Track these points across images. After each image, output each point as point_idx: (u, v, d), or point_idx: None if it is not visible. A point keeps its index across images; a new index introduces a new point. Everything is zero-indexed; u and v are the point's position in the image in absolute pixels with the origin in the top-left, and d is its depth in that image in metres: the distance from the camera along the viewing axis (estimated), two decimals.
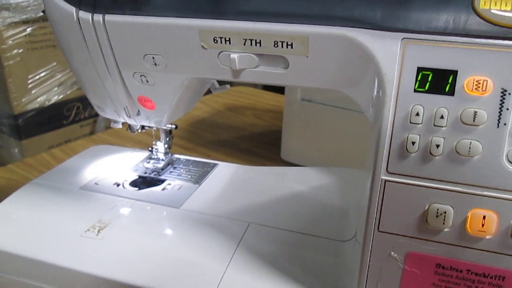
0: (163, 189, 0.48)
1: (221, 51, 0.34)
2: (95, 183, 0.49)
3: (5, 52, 1.26)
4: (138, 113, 0.43)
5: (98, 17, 0.36)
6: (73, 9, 0.37)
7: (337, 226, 0.41)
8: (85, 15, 0.36)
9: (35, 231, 0.41)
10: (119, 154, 0.55)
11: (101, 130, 1.55)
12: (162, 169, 0.51)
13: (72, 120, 1.48)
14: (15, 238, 0.41)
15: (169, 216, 0.43)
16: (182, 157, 0.54)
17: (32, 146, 1.38)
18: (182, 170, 0.51)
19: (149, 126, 0.47)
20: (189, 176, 0.50)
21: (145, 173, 0.50)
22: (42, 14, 1.31)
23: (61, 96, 1.41)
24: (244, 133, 0.85)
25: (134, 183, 0.49)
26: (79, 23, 0.37)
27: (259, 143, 0.81)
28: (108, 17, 0.36)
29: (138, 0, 0.35)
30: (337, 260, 0.38)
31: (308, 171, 0.51)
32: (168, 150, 0.51)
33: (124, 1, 0.35)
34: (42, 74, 1.35)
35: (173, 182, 0.49)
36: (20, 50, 1.28)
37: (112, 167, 0.52)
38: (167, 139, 0.50)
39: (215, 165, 0.52)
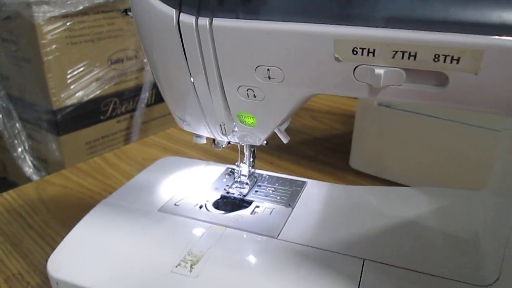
0: (253, 212, 0.41)
1: (359, 65, 0.27)
2: (175, 204, 0.42)
3: (44, 47, 1.22)
4: (234, 130, 0.37)
5: (204, 21, 0.29)
6: (172, 11, 0.30)
7: (472, 264, 0.34)
8: (187, 19, 0.30)
9: (116, 264, 0.35)
10: (193, 168, 0.49)
11: (137, 126, 1.51)
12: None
13: (109, 116, 1.44)
14: (93, 272, 0.35)
15: (268, 249, 0.36)
16: (264, 172, 0.47)
17: (69, 142, 1.35)
18: (268, 190, 0.45)
19: (236, 142, 0.41)
20: (278, 198, 0.43)
21: (228, 193, 0.44)
22: (81, 8, 1.26)
23: (98, 91, 1.37)
24: (304, 137, 0.78)
25: (217, 204, 0.43)
26: (179, 27, 0.30)
27: (323, 149, 0.74)
28: (217, 21, 0.29)
29: (255, 2, 0.28)
30: None
31: (415, 192, 0.44)
32: (252, 171, 0.45)
33: (237, 2, 0.29)
34: (80, 69, 1.31)
35: (262, 205, 0.42)
36: (59, 45, 1.23)
37: (189, 184, 0.46)
38: (252, 158, 0.43)
39: (303, 183, 0.45)
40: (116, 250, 0.37)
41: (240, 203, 0.43)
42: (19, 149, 1.44)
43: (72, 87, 1.31)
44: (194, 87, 0.33)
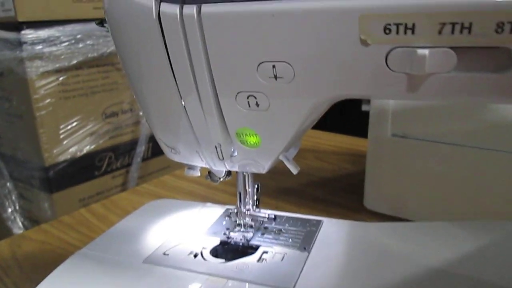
0: (260, 259, 0.33)
1: (394, 48, 0.21)
2: (164, 253, 0.34)
3: (37, 102, 1.18)
4: (233, 154, 0.29)
5: (190, 9, 0.23)
6: (151, 2, 0.24)
7: None
8: (169, 8, 0.23)
9: None
10: (187, 211, 0.41)
11: (134, 181, 1.44)
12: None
13: (104, 171, 1.38)
14: None
15: None
16: (270, 212, 0.39)
17: (62, 200, 1.28)
18: (277, 231, 0.36)
19: (236, 171, 0.33)
20: (290, 240, 0.35)
21: (228, 238, 0.36)
22: (75, 62, 1.23)
23: (93, 146, 1.32)
24: (311, 179, 0.70)
25: (216, 252, 0.34)
26: (160, 21, 0.24)
27: (333, 189, 0.66)
28: (207, 7, 0.23)
29: None
30: None
31: (450, 227, 0.36)
32: (257, 210, 0.37)
33: None
34: (74, 124, 1.26)
35: (271, 250, 0.34)
36: (52, 100, 1.19)
37: (181, 229, 0.38)
38: (256, 195, 0.36)
39: (319, 222, 0.37)
40: None
41: (244, 249, 0.34)
42: (9, 210, 1.36)
43: (65, 142, 1.25)
44: (181, 99, 0.26)
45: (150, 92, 0.28)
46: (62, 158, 1.23)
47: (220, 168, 0.31)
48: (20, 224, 1.36)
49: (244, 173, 0.34)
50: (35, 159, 1.22)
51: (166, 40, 0.24)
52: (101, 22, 0.31)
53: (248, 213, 0.36)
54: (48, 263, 0.50)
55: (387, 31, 0.20)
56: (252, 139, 0.27)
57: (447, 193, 0.51)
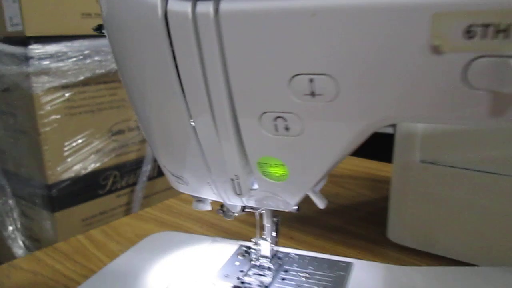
0: None
1: (478, 56, 0.15)
2: None
3: (42, 119, 1.14)
4: (252, 187, 0.24)
5: (206, 6, 0.18)
6: (156, 0, 0.19)
7: None
8: (179, 6, 0.18)
9: None
10: (194, 247, 0.35)
11: (139, 201, 1.39)
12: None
13: (108, 190, 1.34)
14: None
15: None
16: (291, 251, 0.33)
17: (65, 219, 1.25)
18: (300, 277, 0.30)
19: (252, 208, 0.28)
20: None
21: (243, 283, 0.30)
22: (82, 78, 1.19)
23: (98, 164, 1.28)
24: (328, 206, 0.64)
25: None
26: (166, 21, 0.19)
27: (352, 219, 0.60)
28: (226, 4, 0.18)
29: None
30: None
31: (503, 273, 0.30)
32: (276, 250, 0.31)
33: None
34: (79, 141, 1.22)
35: None
36: (58, 116, 1.16)
37: (188, 270, 0.32)
38: (275, 231, 0.30)
39: (348, 265, 0.32)
40: None
41: None
42: (10, 228, 1.32)
43: (69, 159, 1.22)
44: (191, 119, 0.21)
45: (153, 109, 0.23)
46: (66, 176, 1.19)
47: (236, 203, 0.25)
48: (20, 243, 1.32)
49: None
50: (38, 177, 1.19)
51: (173, 45, 0.19)
52: (99, 27, 0.26)
53: (268, 251, 0.30)
54: None
55: (470, 34, 0.15)
56: (278, 171, 0.22)
57: (483, 227, 0.45)
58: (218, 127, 0.21)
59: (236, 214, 0.28)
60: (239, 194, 0.23)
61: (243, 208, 0.27)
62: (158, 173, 1.41)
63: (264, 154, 0.21)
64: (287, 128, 0.19)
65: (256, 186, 0.23)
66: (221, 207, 0.28)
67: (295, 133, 0.19)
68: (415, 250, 0.51)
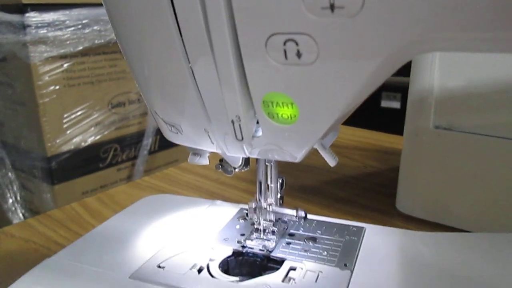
0: (286, 278, 0.24)
1: None
2: (158, 266, 0.25)
3: (40, 89, 1.11)
4: (256, 134, 0.20)
5: None
6: None
7: None
8: None
9: None
10: (190, 210, 0.32)
11: (139, 175, 1.36)
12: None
13: (109, 163, 1.31)
14: None
15: None
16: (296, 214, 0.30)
17: (65, 192, 1.22)
18: (307, 240, 0.27)
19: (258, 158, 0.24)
20: (325, 253, 0.26)
21: (244, 247, 0.27)
22: (81, 48, 1.16)
23: (98, 137, 1.25)
24: (333, 177, 0.61)
25: (227, 266, 0.26)
26: None
27: (359, 190, 0.57)
28: None
29: None
30: None
31: None
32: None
33: None
34: (78, 113, 1.19)
35: (299, 265, 0.25)
36: (57, 87, 1.13)
37: (182, 234, 0.29)
38: (280, 192, 0.27)
39: (360, 230, 0.28)
40: None
41: (264, 264, 0.26)
42: (10, 200, 1.30)
43: (68, 132, 1.19)
44: (185, 48, 0.18)
45: (145, 49, 0.19)
46: (65, 148, 1.17)
47: (236, 154, 0.22)
48: (20, 215, 1.31)
49: (266, 162, 0.25)
50: (37, 149, 1.16)
51: None
52: None
53: (271, 209, 0.27)
54: (29, 265, 0.42)
55: None
56: (286, 111, 0.18)
57: (499, 197, 0.42)
58: (217, 60, 0.17)
59: (237, 170, 0.25)
60: (240, 140, 0.20)
61: (244, 161, 0.24)
62: (159, 147, 1.38)
63: (271, 90, 0.17)
64: (299, 54, 0.16)
65: (259, 133, 0.20)
66: (220, 162, 0.25)
67: (308, 60, 0.16)
68: (425, 221, 0.48)
